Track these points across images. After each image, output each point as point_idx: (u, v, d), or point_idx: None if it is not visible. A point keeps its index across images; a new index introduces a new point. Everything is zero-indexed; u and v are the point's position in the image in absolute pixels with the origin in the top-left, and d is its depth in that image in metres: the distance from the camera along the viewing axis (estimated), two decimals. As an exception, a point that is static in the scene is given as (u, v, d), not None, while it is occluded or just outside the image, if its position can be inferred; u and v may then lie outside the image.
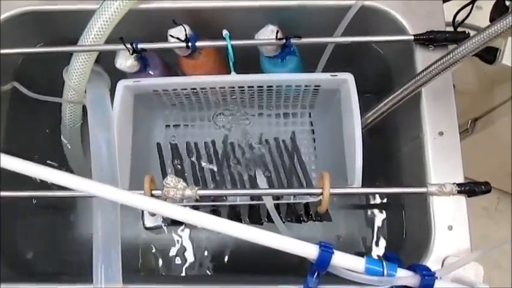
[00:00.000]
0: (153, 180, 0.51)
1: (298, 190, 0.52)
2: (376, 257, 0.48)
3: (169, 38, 0.55)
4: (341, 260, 0.43)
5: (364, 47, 0.66)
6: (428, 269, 0.42)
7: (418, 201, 0.54)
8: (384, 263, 0.42)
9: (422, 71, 0.50)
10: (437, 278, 0.42)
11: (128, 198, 0.44)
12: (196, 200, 0.59)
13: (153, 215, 0.51)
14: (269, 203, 0.53)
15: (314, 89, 0.62)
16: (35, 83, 0.65)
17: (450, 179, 0.50)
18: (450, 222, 0.49)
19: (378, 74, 0.68)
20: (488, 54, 0.66)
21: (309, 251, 0.43)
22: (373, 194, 0.69)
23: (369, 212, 0.71)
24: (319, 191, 0.49)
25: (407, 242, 0.59)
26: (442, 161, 0.51)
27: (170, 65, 0.64)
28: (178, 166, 0.67)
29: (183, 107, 0.68)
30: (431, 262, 0.49)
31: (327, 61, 0.62)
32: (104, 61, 0.61)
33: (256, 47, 0.59)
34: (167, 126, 0.70)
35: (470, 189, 0.48)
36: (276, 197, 0.60)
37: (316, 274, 0.45)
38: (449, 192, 0.49)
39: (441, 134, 0.52)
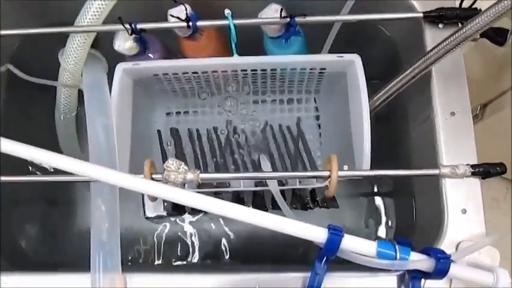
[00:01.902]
0: (153, 165, 0.49)
1: (305, 173, 0.50)
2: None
3: (170, 18, 0.53)
4: (351, 244, 0.41)
5: (371, 30, 0.64)
6: (443, 252, 0.40)
7: (429, 185, 0.52)
8: (397, 247, 0.41)
9: (433, 48, 0.48)
10: (452, 261, 0.40)
11: (127, 181, 0.42)
12: (198, 186, 0.57)
13: (154, 199, 0.49)
14: (274, 188, 0.51)
15: (319, 73, 0.60)
16: (31, 70, 0.63)
17: (463, 161, 0.48)
18: (464, 206, 0.47)
19: (385, 59, 0.66)
20: (499, 36, 0.63)
21: (318, 234, 0.41)
22: (382, 181, 0.67)
23: (377, 199, 0.69)
24: (327, 173, 0.47)
25: (418, 229, 0.57)
26: (455, 142, 0.49)
27: (171, 49, 0.62)
28: (180, 153, 0.65)
29: (185, 93, 0.67)
30: (445, 247, 0.47)
31: (331, 46, 0.60)
32: (103, 47, 0.59)
33: (259, 29, 0.57)
34: (168, 113, 0.68)
35: (485, 170, 0.47)
36: (281, 183, 0.58)
37: (324, 260, 0.43)
38: (462, 174, 0.47)
39: (453, 114, 0.50)
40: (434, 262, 0.40)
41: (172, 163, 0.47)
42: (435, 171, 0.47)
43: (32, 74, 0.61)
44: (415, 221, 0.58)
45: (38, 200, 0.70)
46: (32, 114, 0.68)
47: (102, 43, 0.59)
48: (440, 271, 0.39)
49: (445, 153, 0.49)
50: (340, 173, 0.46)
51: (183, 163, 0.47)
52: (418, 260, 0.40)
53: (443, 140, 0.50)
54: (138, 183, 0.42)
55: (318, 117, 0.68)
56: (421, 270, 0.41)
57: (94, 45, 0.57)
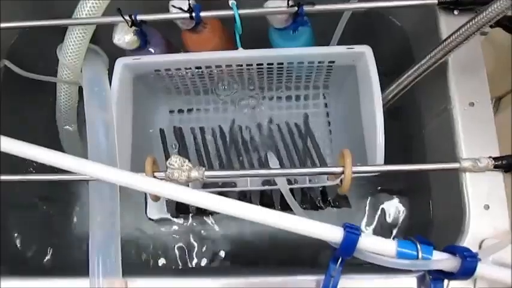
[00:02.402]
0: (156, 163, 0.47)
1: (317, 169, 0.47)
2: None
3: (172, 9, 0.50)
4: (369, 243, 0.38)
5: (381, 21, 0.62)
6: (468, 250, 0.37)
7: (447, 181, 0.49)
8: (418, 245, 0.38)
9: (450, 35, 0.45)
10: (479, 260, 0.37)
11: (127, 179, 0.39)
12: (203, 186, 0.55)
13: (156, 199, 0.46)
14: (284, 186, 0.48)
15: (328, 66, 0.58)
16: (29, 68, 0.60)
17: (484, 154, 0.45)
18: (486, 201, 0.44)
19: (396, 53, 0.64)
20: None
21: (333, 233, 0.38)
22: (395, 178, 0.64)
23: (389, 197, 0.66)
24: (340, 169, 0.44)
25: (435, 227, 0.54)
26: (475, 133, 0.46)
27: (173, 44, 0.60)
28: (183, 152, 0.62)
29: (188, 91, 0.64)
30: (467, 246, 0.44)
31: (338, 41, 0.58)
32: (102, 43, 0.57)
33: (265, 22, 0.55)
34: (171, 111, 0.66)
35: (508, 163, 0.44)
36: (289, 182, 0.55)
37: (340, 261, 0.40)
38: (484, 168, 0.44)
39: (472, 104, 0.48)
40: (459, 261, 0.37)
41: (175, 160, 0.44)
42: (455, 165, 0.44)
43: (30, 71, 0.59)
44: (432, 219, 0.55)
45: (36, 203, 0.67)
46: (30, 112, 0.66)
47: (101, 39, 0.56)
48: (467, 271, 0.36)
49: (464, 146, 0.46)
50: (355, 169, 0.44)
51: (187, 160, 0.45)
52: (442, 260, 0.37)
53: (462, 132, 0.47)
54: (139, 181, 0.39)
55: (327, 114, 0.66)
56: (444, 271, 0.38)
57: (94, 42, 0.55)
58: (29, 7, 0.61)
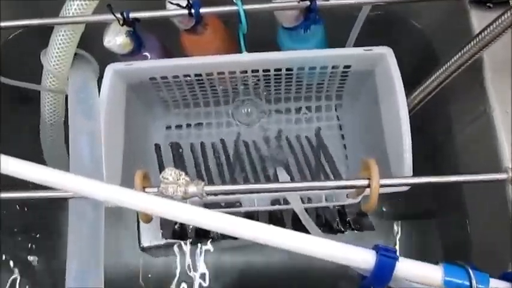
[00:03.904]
0: (148, 178, 0.40)
1: (337, 182, 0.40)
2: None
3: (168, 5, 0.45)
4: (408, 270, 0.31)
5: (399, 25, 0.57)
6: (535, 278, 0.30)
7: (487, 196, 0.42)
8: (471, 272, 0.30)
9: (485, 28, 0.40)
10: (550, 290, 0.29)
11: (109, 193, 0.32)
12: (204, 206, 0.48)
13: (148, 220, 0.39)
14: (297, 204, 0.41)
15: (342, 72, 0.52)
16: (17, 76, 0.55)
17: (534, 163, 0.38)
18: (542, 219, 0.37)
19: (417, 59, 0.58)
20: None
21: (363, 258, 0.31)
22: (424, 195, 0.57)
23: (418, 218, 0.59)
24: (366, 182, 0.37)
25: (474, 251, 0.47)
26: (521, 139, 0.40)
27: (170, 50, 0.54)
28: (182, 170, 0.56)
29: (186, 103, 0.58)
30: (521, 273, 0.36)
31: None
32: (94, 52, 0.52)
33: (272, 23, 0.49)
34: (168, 127, 0.60)
35: None
36: (302, 202, 0.48)
37: (371, 292, 0.33)
38: (537, 179, 0.37)
39: (515, 106, 0.41)
40: (524, 292, 0.29)
41: (170, 173, 0.38)
42: (502, 176, 0.37)
43: (20, 79, 0.53)
44: (470, 240, 0.48)
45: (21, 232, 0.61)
46: (14, 123, 0.60)
47: (92, 46, 0.51)
48: (535, 304, 0.29)
49: (509, 154, 0.40)
50: (383, 181, 0.37)
51: (183, 173, 0.38)
52: (503, 289, 0.30)
53: (505, 138, 0.40)
54: (124, 195, 0.32)
55: (339, 127, 0.59)
56: (504, 305, 0.31)
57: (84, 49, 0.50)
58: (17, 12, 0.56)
